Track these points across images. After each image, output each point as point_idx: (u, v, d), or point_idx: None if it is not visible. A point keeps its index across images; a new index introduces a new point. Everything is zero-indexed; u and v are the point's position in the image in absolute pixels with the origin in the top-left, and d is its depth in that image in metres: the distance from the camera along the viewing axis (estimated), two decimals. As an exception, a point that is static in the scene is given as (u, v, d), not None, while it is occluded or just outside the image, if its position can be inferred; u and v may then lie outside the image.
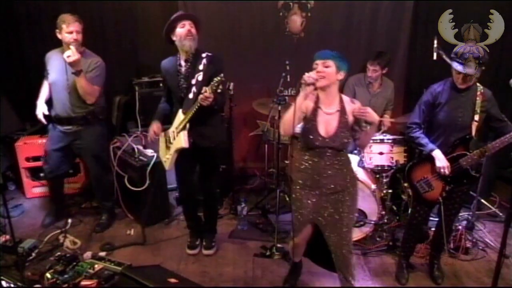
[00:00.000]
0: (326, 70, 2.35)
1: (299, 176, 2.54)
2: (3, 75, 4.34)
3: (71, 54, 3.12)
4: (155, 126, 3.10)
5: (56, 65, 3.36)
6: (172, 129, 3.07)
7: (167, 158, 3.16)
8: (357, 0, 4.40)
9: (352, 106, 2.43)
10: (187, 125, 2.93)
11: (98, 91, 3.40)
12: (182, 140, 2.92)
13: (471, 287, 3.02)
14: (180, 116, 2.98)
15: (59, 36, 3.28)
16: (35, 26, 4.46)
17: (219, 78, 2.72)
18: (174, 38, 2.93)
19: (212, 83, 2.73)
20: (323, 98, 2.43)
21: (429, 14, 4.28)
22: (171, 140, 3.08)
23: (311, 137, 2.40)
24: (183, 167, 3.20)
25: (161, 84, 4.24)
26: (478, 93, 2.70)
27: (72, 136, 3.51)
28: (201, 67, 2.91)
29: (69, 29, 3.21)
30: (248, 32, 4.51)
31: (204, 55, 2.94)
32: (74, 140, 3.52)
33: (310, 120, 2.43)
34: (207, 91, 2.72)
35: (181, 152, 3.03)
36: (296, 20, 4.50)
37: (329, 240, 2.52)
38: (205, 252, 3.36)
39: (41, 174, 4.27)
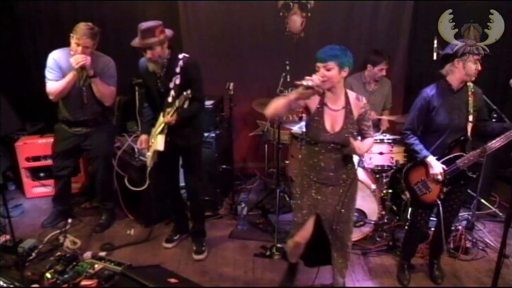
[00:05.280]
0: (328, 73, 2.29)
1: (303, 169, 2.55)
2: (3, 75, 4.34)
3: (80, 59, 3.10)
4: (144, 139, 3.13)
5: (67, 67, 3.26)
6: (154, 130, 3.08)
7: (148, 155, 3.19)
8: (357, 0, 4.40)
9: (357, 103, 2.44)
10: (166, 129, 2.93)
11: (114, 92, 3.40)
12: (158, 143, 2.95)
13: (471, 287, 3.02)
14: (160, 119, 2.98)
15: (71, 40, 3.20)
16: (35, 26, 4.47)
17: (185, 94, 2.73)
18: None
19: (179, 98, 2.75)
20: (329, 95, 2.42)
21: (429, 14, 4.27)
22: (152, 140, 3.09)
23: (318, 132, 2.42)
24: (163, 165, 3.19)
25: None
26: (470, 93, 2.71)
27: (81, 138, 3.51)
28: (177, 69, 2.90)
29: (75, 41, 3.14)
30: (248, 32, 4.51)
31: (180, 56, 2.93)
32: (83, 141, 3.52)
33: (316, 116, 2.43)
34: (169, 113, 2.79)
35: (160, 152, 3.02)
36: (296, 20, 4.50)
37: (332, 232, 2.53)
38: (195, 257, 3.28)
39: (41, 174, 4.28)
